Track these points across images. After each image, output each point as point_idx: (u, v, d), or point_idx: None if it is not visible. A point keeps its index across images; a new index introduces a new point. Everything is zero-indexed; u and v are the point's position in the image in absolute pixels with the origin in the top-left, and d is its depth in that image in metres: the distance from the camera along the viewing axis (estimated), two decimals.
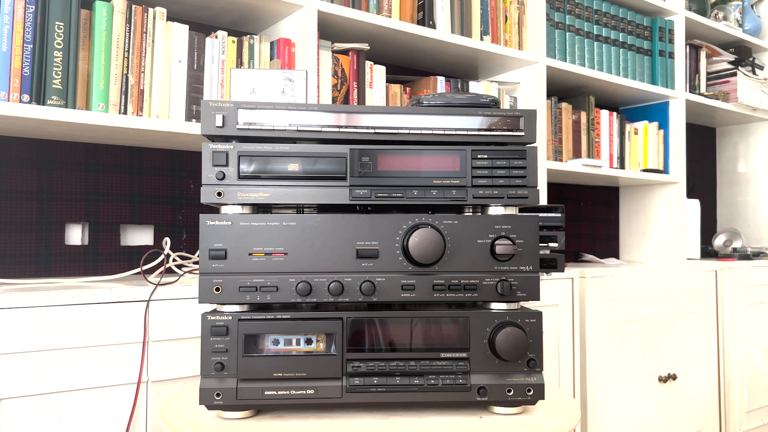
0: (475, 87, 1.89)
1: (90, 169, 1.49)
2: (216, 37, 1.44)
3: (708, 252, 2.63)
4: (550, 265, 1.04)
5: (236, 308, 0.87)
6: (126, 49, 1.31)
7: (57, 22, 1.23)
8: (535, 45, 1.97)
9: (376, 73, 1.69)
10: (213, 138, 0.89)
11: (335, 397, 0.86)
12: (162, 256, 1.30)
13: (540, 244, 0.97)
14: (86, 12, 1.28)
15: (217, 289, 0.86)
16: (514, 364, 0.88)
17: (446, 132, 0.89)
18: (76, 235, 1.48)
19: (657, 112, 2.44)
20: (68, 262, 1.46)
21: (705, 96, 2.53)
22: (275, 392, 0.85)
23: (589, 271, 1.83)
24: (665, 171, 2.41)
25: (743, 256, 2.49)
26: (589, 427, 1.80)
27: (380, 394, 0.86)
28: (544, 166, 1.94)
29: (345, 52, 1.64)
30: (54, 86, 1.22)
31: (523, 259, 0.89)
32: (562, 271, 1.05)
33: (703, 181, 2.95)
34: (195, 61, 1.41)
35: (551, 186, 2.32)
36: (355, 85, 1.64)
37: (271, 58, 1.53)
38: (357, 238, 0.87)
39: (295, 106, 0.87)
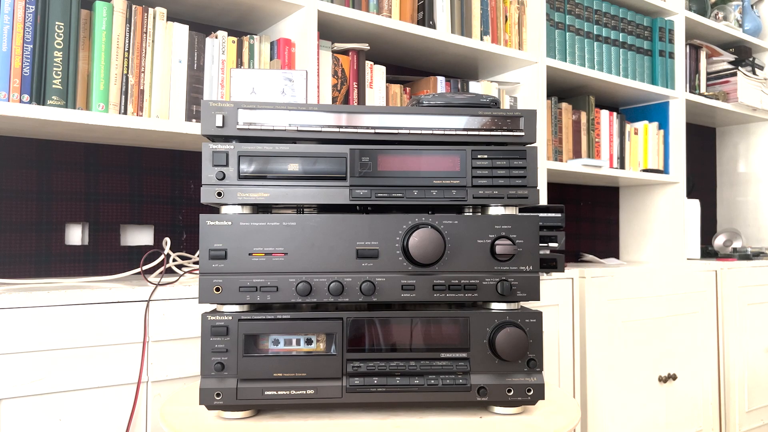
0: (475, 87, 1.89)
1: (90, 169, 1.49)
2: (216, 37, 1.44)
3: (708, 252, 2.63)
4: (550, 265, 1.04)
5: (236, 308, 0.87)
6: (126, 49, 1.31)
7: (57, 22, 1.23)
8: (535, 45, 1.97)
9: (376, 73, 1.69)
10: (213, 138, 0.89)
11: (335, 397, 0.86)
12: (162, 256, 1.30)
13: (540, 244, 0.97)
14: (86, 12, 1.28)
15: (217, 289, 0.86)
16: (514, 364, 0.88)
17: (446, 132, 0.89)
18: (76, 235, 1.48)
19: (657, 112, 2.44)
20: (68, 262, 1.46)
21: (705, 96, 2.53)
22: (275, 392, 0.85)
23: (589, 271, 1.83)
24: (665, 171, 2.41)
25: (743, 256, 2.48)
26: (589, 427, 1.80)
27: (380, 394, 0.86)
28: (544, 166, 1.94)
29: (345, 52, 1.64)
30: (54, 86, 1.22)
31: (523, 259, 0.89)
32: (562, 271, 1.05)
33: (703, 181, 2.95)
34: (195, 61, 1.41)
35: (551, 186, 2.32)
36: (355, 85, 1.64)
37: (271, 58, 1.53)
38: (357, 238, 0.87)
39: (295, 106, 0.87)
